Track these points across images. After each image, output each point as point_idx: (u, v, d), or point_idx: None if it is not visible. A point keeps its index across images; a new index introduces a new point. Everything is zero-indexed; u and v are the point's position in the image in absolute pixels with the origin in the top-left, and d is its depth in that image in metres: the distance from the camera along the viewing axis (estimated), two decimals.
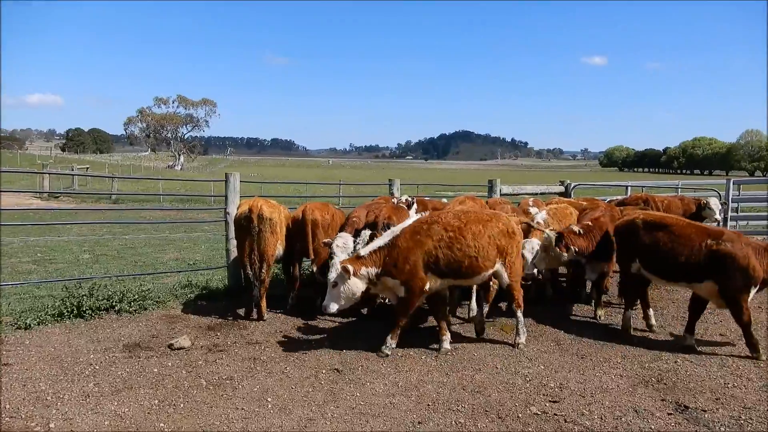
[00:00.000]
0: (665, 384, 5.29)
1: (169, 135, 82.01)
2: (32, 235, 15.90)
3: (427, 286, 5.95)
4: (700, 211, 10.37)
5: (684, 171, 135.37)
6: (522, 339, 6.32)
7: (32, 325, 6.59)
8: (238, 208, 7.48)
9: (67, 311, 6.95)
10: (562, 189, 14.68)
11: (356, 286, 5.86)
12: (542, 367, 5.74)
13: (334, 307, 5.86)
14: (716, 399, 4.96)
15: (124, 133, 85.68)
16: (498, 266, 6.18)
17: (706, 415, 4.65)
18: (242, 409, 4.65)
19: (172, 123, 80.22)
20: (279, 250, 7.37)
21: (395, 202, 8.22)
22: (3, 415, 4.40)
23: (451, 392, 5.06)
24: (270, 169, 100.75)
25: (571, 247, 7.05)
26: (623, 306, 7.11)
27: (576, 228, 7.22)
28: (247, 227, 6.92)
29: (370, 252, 5.98)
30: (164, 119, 79.70)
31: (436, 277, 5.99)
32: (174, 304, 7.91)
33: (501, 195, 12.86)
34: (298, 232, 7.49)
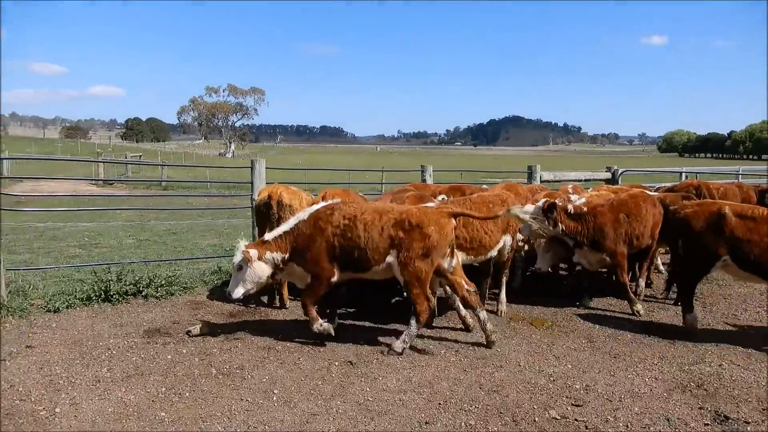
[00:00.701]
0: (705, 390, 4.83)
1: (220, 123, 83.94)
2: (84, 221, 16.53)
3: (334, 277, 5.73)
4: (762, 199, 9.59)
5: (751, 157, 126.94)
6: (398, 347, 5.54)
7: (61, 309, 6.72)
8: (258, 195, 7.38)
9: (95, 295, 7.06)
10: (608, 175, 13.99)
11: (261, 270, 5.65)
12: (570, 366, 5.37)
13: (239, 292, 5.67)
14: (763, 410, 4.47)
15: (178, 122, 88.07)
16: (390, 259, 5.64)
17: (748, 428, 4.20)
18: (247, 400, 4.54)
19: (223, 111, 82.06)
20: None
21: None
22: (14, 398, 4.45)
23: (467, 391, 4.79)
24: (317, 156, 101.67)
25: (559, 224, 6.81)
26: (666, 300, 6.62)
27: (569, 207, 7.00)
28: (267, 214, 6.81)
29: (275, 237, 5.76)
30: (215, 108, 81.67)
31: (337, 267, 5.73)
32: (201, 290, 7.93)
33: (541, 182, 12.38)
34: None
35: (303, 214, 5.81)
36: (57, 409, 4.28)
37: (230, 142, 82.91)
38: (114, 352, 5.51)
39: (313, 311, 5.79)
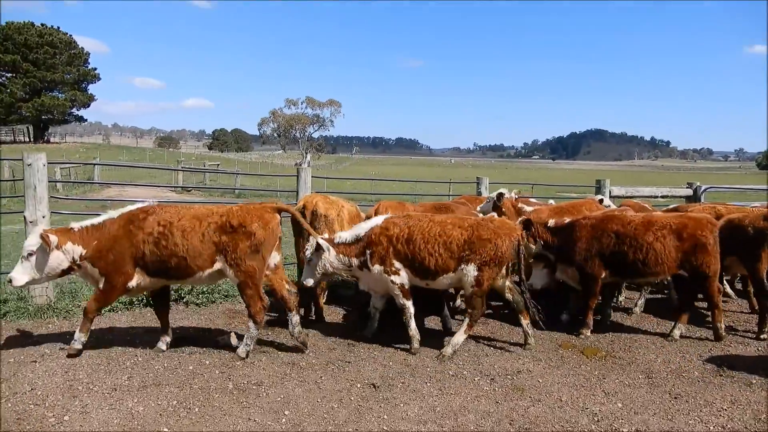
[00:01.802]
0: None
1: (297, 134, 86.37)
2: None
3: (132, 283, 5.30)
4: None
5: None
6: (242, 353, 5.51)
7: (103, 312, 6.82)
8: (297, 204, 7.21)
9: (137, 300, 7.14)
10: (689, 192, 12.81)
11: (56, 260, 5.16)
12: (620, 404, 4.73)
13: (22, 280, 5.13)
14: None
15: (258, 133, 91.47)
16: (220, 265, 5.35)
17: None
18: (254, 420, 4.29)
19: (300, 123, 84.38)
20: None
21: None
22: (29, 402, 4.45)
23: (495, 426, 4.30)
24: (391, 167, 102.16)
25: (538, 239, 6.74)
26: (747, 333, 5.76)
27: (550, 221, 6.84)
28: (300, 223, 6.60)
29: (81, 228, 5.31)
30: (293, 120, 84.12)
31: (144, 274, 5.32)
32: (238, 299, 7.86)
33: (611, 197, 11.50)
34: None
35: (114, 213, 5.43)
36: (66, 417, 4.23)
37: (306, 153, 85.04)
38: (139, 359, 5.46)
39: (89, 322, 5.39)
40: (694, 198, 12.49)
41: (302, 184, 8.24)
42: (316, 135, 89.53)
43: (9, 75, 62.86)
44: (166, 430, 4.10)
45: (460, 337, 5.81)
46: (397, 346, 6.02)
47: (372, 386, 4.98)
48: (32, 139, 66.11)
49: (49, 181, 6.79)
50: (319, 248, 5.97)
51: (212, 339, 6.05)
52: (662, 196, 12.68)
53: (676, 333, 6.45)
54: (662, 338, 6.46)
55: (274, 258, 5.71)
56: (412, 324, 5.94)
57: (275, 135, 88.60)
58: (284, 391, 4.82)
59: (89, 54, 69.15)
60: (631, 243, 6.32)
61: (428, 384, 5.05)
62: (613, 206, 8.80)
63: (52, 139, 71.11)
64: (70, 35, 66.41)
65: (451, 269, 5.73)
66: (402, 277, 5.86)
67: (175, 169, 29.53)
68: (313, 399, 4.69)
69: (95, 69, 69.46)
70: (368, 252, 5.90)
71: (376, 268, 5.87)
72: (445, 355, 5.68)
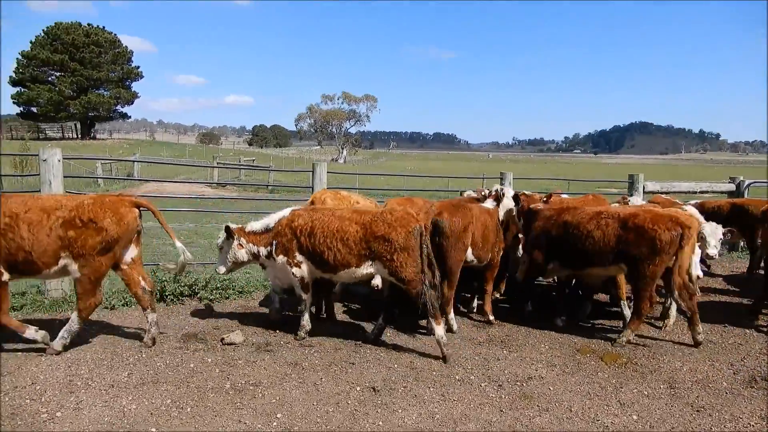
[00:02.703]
0: None
1: (334, 130, 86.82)
2: (190, 221, 17.45)
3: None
4: None
5: None
6: (57, 346, 5.28)
7: (116, 306, 6.88)
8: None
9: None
10: (731, 187, 12.14)
11: None
12: (635, 416, 4.41)
13: None
14: None
15: (295, 128, 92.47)
16: (65, 261, 5.07)
17: None
18: (245, 422, 4.17)
19: (336, 118, 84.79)
20: None
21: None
22: (26, 397, 4.45)
23: None
24: (427, 162, 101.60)
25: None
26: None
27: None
28: None
29: None
30: (329, 115, 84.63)
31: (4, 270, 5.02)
32: (258, 294, 7.82)
33: (645, 193, 10.99)
34: None
35: None
36: (58, 413, 4.20)
37: (342, 148, 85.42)
38: (143, 355, 5.43)
39: None
40: (736, 193, 11.82)
41: (317, 179, 8.11)
42: (352, 130, 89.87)
43: (58, 74, 65.32)
44: (153, 430, 4.02)
45: (440, 331, 5.53)
46: (404, 347, 5.82)
47: (372, 390, 4.80)
48: (79, 136, 68.65)
49: (90, 177, 6.89)
50: (229, 236, 6.11)
51: (219, 336, 5.98)
52: (701, 192, 12.04)
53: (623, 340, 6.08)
54: (691, 345, 6.06)
55: (131, 252, 5.54)
56: (306, 315, 6.06)
57: (312, 130, 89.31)
58: (281, 393, 4.69)
59: (132, 52, 71.24)
60: (573, 232, 6.24)
61: (431, 389, 4.84)
62: (643, 203, 8.34)
63: (98, 136, 73.60)
64: (115, 34, 68.55)
65: (353, 264, 5.71)
66: (303, 270, 5.92)
67: (202, 166, 30.01)
68: (309, 401, 4.55)
69: (138, 67, 71.47)
70: (274, 242, 5.99)
71: (280, 258, 5.96)
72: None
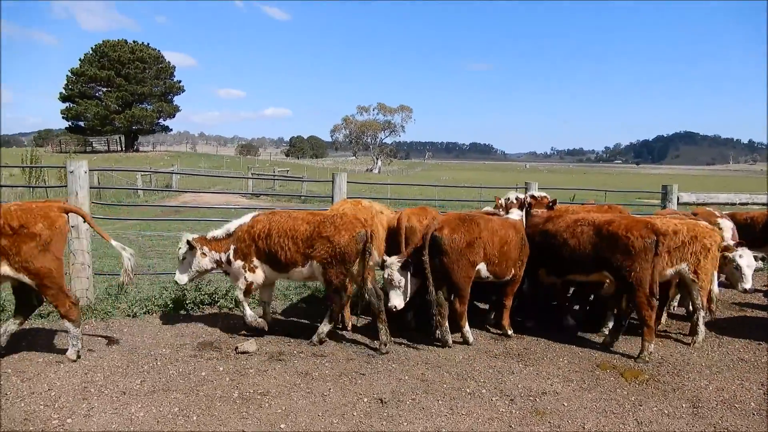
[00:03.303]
0: None
1: (369, 140, 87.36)
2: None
3: None
4: None
5: None
6: (71, 354, 5.42)
7: (138, 314, 7.02)
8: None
9: (172, 303, 7.29)
10: None
11: None
12: None
13: None
14: None
15: (331, 139, 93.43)
16: (5, 270, 5.06)
17: None
18: None
19: (371, 129, 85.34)
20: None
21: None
22: (40, 402, 4.56)
23: None
24: (463, 173, 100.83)
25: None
26: None
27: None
28: None
29: None
30: (364, 126, 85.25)
31: None
32: (277, 304, 7.85)
33: (679, 204, 10.60)
34: (391, 239, 6.83)
35: None
36: (69, 419, 4.29)
37: (377, 159, 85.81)
38: (158, 363, 5.51)
39: None
40: None
41: (336, 189, 8.13)
42: (388, 141, 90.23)
43: (104, 89, 67.99)
44: None
45: (325, 327, 6.09)
46: (418, 359, 5.74)
47: (380, 401, 4.73)
48: (123, 148, 71.09)
49: (129, 188, 7.13)
50: (191, 248, 6.22)
51: (234, 344, 6.02)
52: (741, 203, 11.51)
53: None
54: (720, 363, 5.77)
55: None
56: (250, 315, 6.24)
57: (347, 141, 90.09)
58: (288, 403, 4.67)
59: (175, 67, 73.53)
60: (553, 240, 6.30)
61: (440, 402, 4.74)
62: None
63: (141, 148, 76.07)
64: (158, 50, 70.98)
65: (299, 264, 5.98)
66: (256, 276, 6.16)
67: (234, 177, 30.55)
68: (315, 412, 4.51)
69: (180, 81, 73.73)
70: (233, 248, 6.19)
71: (237, 263, 6.17)
72: (314, 342, 6.04)
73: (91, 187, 7.11)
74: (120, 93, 66.73)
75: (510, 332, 6.52)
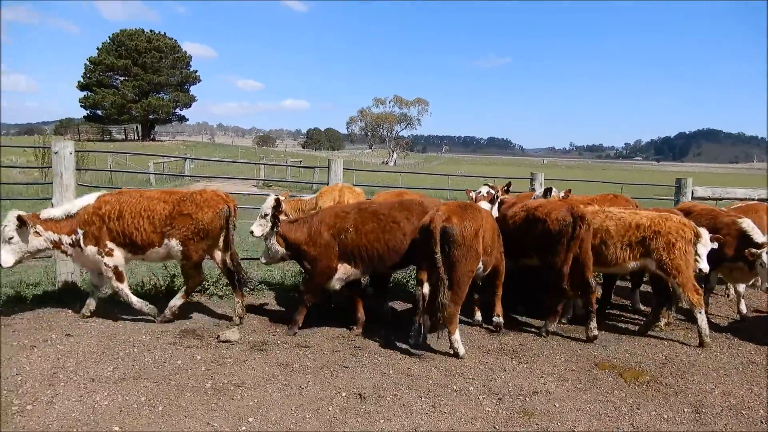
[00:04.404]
0: None
1: (384, 133, 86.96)
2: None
3: None
4: None
5: None
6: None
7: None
8: None
9: (157, 289, 7.09)
10: None
11: None
12: None
13: None
14: None
15: (347, 131, 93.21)
16: None
17: None
18: (212, 425, 3.93)
19: (387, 122, 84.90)
20: None
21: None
22: (4, 388, 4.38)
23: None
24: (479, 167, 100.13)
25: None
26: None
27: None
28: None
29: None
30: (380, 118, 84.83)
31: None
32: (268, 293, 7.64)
33: (694, 198, 10.16)
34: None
35: None
36: (29, 406, 4.09)
37: (392, 152, 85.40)
38: (135, 349, 5.31)
39: None
40: None
41: (332, 176, 7.89)
42: (404, 134, 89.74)
43: (122, 78, 68.45)
44: (116, 429, 3.84)
45: (177, 301, 6.09)
46: (407, 353, 5.46)
47: (359, 396, 4.47)
48: (140, 137, 71.58)
49: (141, 173, 7.00)
50: (22, 225, 5.67)
51: (217, 333, 5.80)
52: (759, 199, 11.01)
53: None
54: (728, 366, 5.41)
55: None
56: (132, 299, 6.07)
57: (363, 134, 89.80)
58: (261, 395, 4.43)
59: (191, 57, 73.76)
60: (503, 226, 6.32)
61: (422, 398, 4.46)
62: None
63: (158, 138, 76.57)
64: (175, 40, 71.23)
65: (156, 244, 5.87)
66: (116, 258, 5.88)
67: (242, 162, 30.46)
68: (288, 406, 4.27)
69: (196, 71, 74.01)
70: (81, 231, 5.82)
71: (90, 248, 5.83)
72: (167, 317, 6.04)
73: (112, 171, 6.96)
74: (137, 82, 67.14)
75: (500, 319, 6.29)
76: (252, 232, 6.23)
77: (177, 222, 5.81)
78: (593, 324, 5.96)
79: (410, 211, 5.85)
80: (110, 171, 21.42)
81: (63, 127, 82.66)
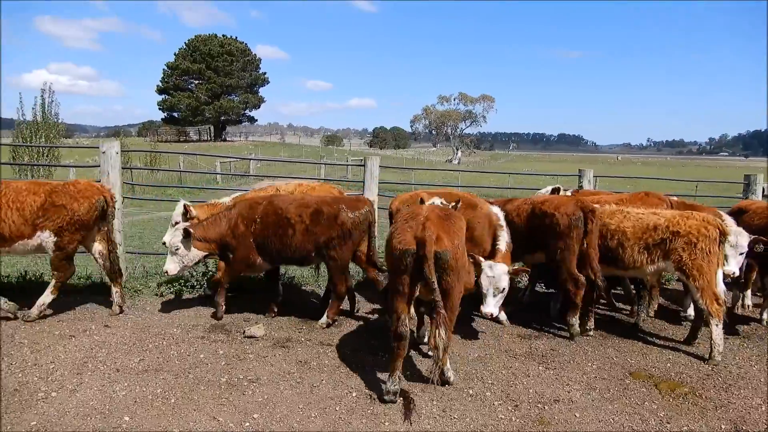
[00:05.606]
0: None
1: (449, 131, 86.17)
2: None
3: None
4: None
5: None
6: None
7: (165, 294, 7.10)
8: None
9: (199, 284, 7.31)
10: None
11: None
12: None
13: None
14: None
15: (411, 130, 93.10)
16: None
17: None
18: (217, 420, 3.98)
19: (452, 119, 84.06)
20: None
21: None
22: (36, 374, 4.63)
23: None
24: (547, 164, 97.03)
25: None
26: None
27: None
28: None
29: None
30: (444, 116, 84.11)
31: None
32: (305, 289, 7.71)
33: (764, 196, 9.42)
34: None
35: None
36: (54, 393, 4.31)
37: (457, 149, 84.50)
38: (164, 342, 5.49)
39: None
40: None
41: (368, 174, 7.83)
42: (469, 131, 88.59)
43: (196, 82, 71.74)
44: (127, 419, 3.97)
45: (46, 297, 5.93)
46: (427, 356, 5.32)
47: (369, 397, 4.40)
48: (212, 138, 74.74)
49: (207, 173, 7.34)
50: None
51: (244, 329, 5.90)
52: None
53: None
54: None
55: None
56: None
57: (428, 131, 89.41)
58: (273, 392, 4.45)
59: (261, 60, 76.15)
60: (509, 221, 6.25)
61: (434, 402, 4.33)
62: None
63: (229, 138, 79.66)
64: (245, 43, 73.82)
65: (26, 236, 5.76)
66: None
67: (299, 161, 30.96)
68: (296, 404, 4.26)
69: (265, 73, 76.37)
70: None
71: None
72: (31, 315, 5.84)
73: (181, 171, 7.29)
74: (209, 85, 70.13)
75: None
76: (164, 243, 6.32)
77: (50, 213, 5.74)
78: (575, 320, 5.91)
79: (307, 207, 5.99)
80: (179, 171, 22.43)
81: (145, 129, 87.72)
